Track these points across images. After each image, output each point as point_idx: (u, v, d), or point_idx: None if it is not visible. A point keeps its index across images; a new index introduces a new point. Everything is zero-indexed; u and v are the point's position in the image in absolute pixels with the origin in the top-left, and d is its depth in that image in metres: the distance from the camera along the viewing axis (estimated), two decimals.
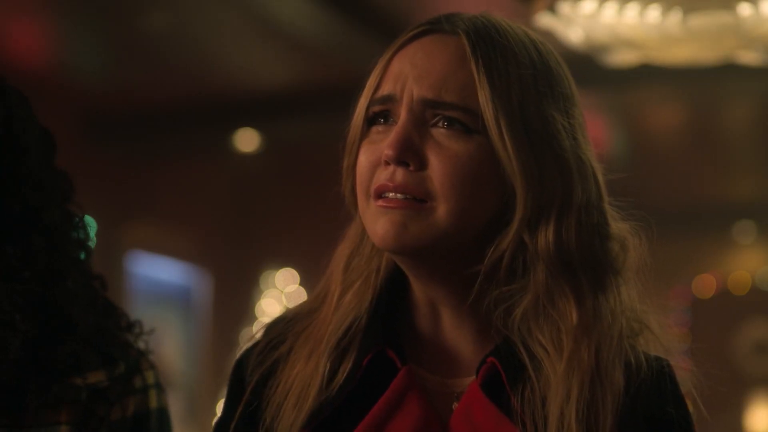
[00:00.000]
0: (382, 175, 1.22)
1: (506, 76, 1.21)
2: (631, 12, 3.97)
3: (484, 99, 1.19)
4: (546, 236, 1.20)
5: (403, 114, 1.22)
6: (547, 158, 1.20)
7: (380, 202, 1.21)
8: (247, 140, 6.76)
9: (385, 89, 1.24)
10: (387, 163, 1.21)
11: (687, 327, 9.08)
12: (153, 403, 1.55)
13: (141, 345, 1.59)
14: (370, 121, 1.26)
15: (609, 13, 3.97)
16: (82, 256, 1.57)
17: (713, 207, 9.15)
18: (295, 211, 7.69)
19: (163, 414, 1.56)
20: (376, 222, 1.21)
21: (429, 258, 1.22)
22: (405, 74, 1.23)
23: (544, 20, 3.98)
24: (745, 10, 3.91)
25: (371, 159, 1.23)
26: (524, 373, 1.19)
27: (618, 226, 1.26)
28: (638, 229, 1.27)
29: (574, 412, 1.16)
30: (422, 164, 1.20)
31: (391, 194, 1.21)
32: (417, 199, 1.20)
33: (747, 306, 9.34)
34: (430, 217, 1.19)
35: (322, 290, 1.34)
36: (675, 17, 3.97)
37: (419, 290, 1.27)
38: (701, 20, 3.97)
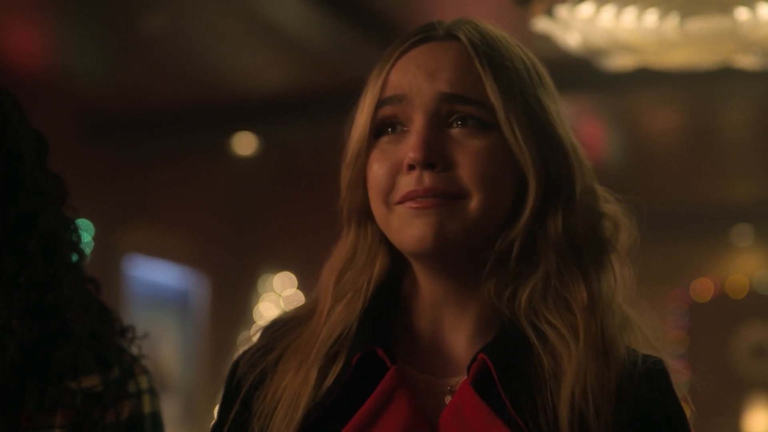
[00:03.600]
0: (407, 181, 1.21)
1: (505, 70, 1.24)
2: (629, 16, 3.97)
3: (494, 94, 1.22)
4: (555, 223, 1.23)
5: (419, 116, 1.22)
6: (549, 145, 1.24)
7: (411, 204, 1.20)
8: (244, 144, 6.75)
9: (391, 91, 1.24)
10: (411, 168, 1.20)
11: (685, 330, 9.08)
12: (146, 407, 1.55)
13: (134, 350, 1.59)
14: (378, 132, 1.25)
15: (606, 17, 3.97)
16: (75, 258, 1.57)
17: (711, 210, 9.14)
18: (293, 214, 7.68)
19: (156, 418, 1.56)
20: (409, 225, 1.21)
21: (457, 254, 1.23)
22: (413, 74, 1.23)
23: (542, 24, 3.97)
24: (742, 14, 3.91)
25: (387, 166, 1.22)
26: (524, 360, 1.20)
27: (610, 207, 1.29)
28: (629, 211, 1.29)
29: (588, 387, 1.17)
30: (447, 164, 1.20)
31: (421, 198, 1.20)
32: (450, 196, 1.20)
33: (745, 309, 9.33)
34: (465, 213, 1.20)
35: (310, 302, 1.33)
36: (672, 21, 3.97)
37: (427, 286, 1.26)
38: (698, 24, 3.97)
